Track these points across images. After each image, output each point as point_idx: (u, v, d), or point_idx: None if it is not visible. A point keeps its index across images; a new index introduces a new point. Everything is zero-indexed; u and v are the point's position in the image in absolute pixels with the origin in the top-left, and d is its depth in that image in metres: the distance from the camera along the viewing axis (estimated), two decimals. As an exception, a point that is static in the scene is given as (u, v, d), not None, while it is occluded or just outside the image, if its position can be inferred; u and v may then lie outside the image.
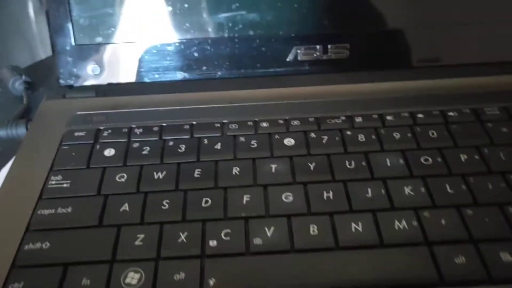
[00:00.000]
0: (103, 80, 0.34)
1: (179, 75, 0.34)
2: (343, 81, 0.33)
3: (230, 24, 0.33)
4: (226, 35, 0.33)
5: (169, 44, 0.33)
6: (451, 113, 0.30)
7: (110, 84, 0.34)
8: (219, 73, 0.34)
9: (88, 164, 0.28)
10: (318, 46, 0.34)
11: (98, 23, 0.33)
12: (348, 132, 0.29)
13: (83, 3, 0.33)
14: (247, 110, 0.31)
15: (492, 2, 0.33)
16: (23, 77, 0.38)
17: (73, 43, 0.33)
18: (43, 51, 1.07)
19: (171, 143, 0.29)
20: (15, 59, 1.01)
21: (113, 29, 0.33)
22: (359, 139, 0.28)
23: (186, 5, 0.33)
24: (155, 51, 0.34)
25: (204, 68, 0.34)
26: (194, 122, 0.30)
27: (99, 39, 0.33)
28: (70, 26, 0.33)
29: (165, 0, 0.33)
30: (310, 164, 0.27)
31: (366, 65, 0.34)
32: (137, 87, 0.34)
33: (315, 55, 0.34)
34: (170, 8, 0.33)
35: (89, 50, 0.33)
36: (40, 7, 1.12)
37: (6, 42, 0.98)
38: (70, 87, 0.34)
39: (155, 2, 0.33)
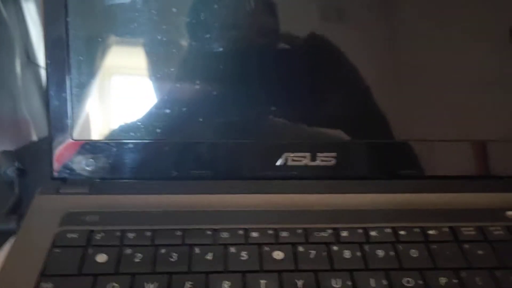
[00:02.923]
0: (97, 175, 0.35)
1: (173, 175, 0.35)
2: (330, 190, 0.35)
3: (225, 130, 0.35)
4: (221, 140, 0.35)
5: (163, 145, 0.35)
6: (431, 231, 0.31)
7: (104, 181, 0.35)
8: (212, 175, 0.35)
9: (80, 270, 0.28)
10: (307, 154, 0.36)
11: (96, 121, 0.35)
12: (335, 248, 0.30)
13: (84, 101, 0.34)
14: (238, 217, 0.32)
15: (477, 123, 0.36)
16: (16, 164, 0.38)
17: (70, 138, 0.34)
18: (26, 107, 1.07)
19: (163, 250, 0.29)
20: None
21: (110, 127, 0.35)
22: (345, 255, 0.30)
23: (184, 109, 0.35)
24: (149, 151, 0.35)
25: (197, 169, 0.35)
26: (186, 228, 0.31)
27: (96, 136, 0.35)
28: (68, 122, 0.34)
29: (162, 103, 0.35)
30: (297, 281, 0.28)
31: (352, 174, 0.36)
32: (131, 185, 0.35)
33: (303, 161, 0.36)
34: (167, 111, 0.35)
35: (85, 146, 0.34)
36: (27, 63, 1.13)
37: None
38: (64, 180, 0.35)
39: (152, 104, 0.35)
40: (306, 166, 0.36)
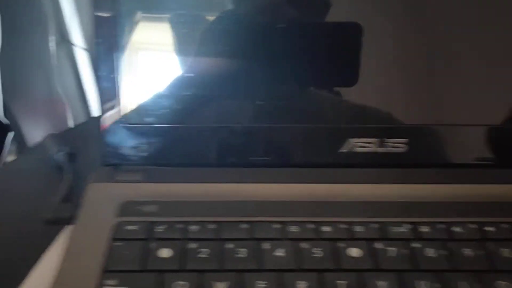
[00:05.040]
0: (151, 162, 0.33)
1: (230, 162, 0.33)
2: (401, 179, 0.32)
3: (285, 114, 0.33)
4: (280, 124, 0.33)
5: (220, 129, 0.32)
6: (520, 228, 0.28)
7: (158, 168, 0.33)
8: (271, 162, 0.33)
9: (143, 265, 0.26)
10: (374, 139, 0.33)
11: (149, 104, 0.32)
12: (416, 245, 0.27)
13: (133, 83, 0.32)
14: (305, 208, 0.30)
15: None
16: (66, 148, 0.36)
17: (122, 122, 0.32)
18: (60, 86, 1.07)
19: (230, 245, 0.27)
20: (32, 91, 1.01)
21: (164, 111, 0.32)
22: (429, 254, 0.27)
23: (242, 92, 0.32)
24: (206, 135, 0.33)
25: (255, 156, 0.33)
26: (252, 220, 0.29)
27: (149, 120, 0.32)
28: (120, 105, 0.32)
29: (220, 85, 0.32)
30: (379, 282, 0.25)
31: (425, 162, 0.33)
32: (187, 173, 0.33)
33: (370, 148, 0.33)
34: (225, 94, 0.32)
35: (138, 131, 0.32)
36: (61, 42, 1.12)
37: (26, 74, 0.98)
38: (116, 167, 0.33)
39: (209, 86, 0.32)
40: (373, 153, 0.33)
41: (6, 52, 0.87)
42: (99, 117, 0.32)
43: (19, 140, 0.95)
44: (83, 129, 0.45)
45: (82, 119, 1.14)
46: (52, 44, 1.02)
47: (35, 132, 0.97)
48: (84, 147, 0.39)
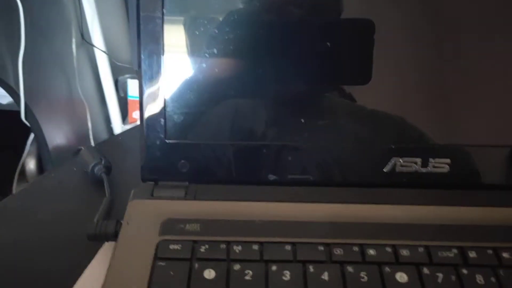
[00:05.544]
0: (191, 179, 0.33)
1: (271, 180, 0.33)
2: (445, 201, 0.32)
3: (328, 133, 0.32)
4: (323, 143, 0.32)
5: (262, 147, 0.32)
6: None
7: (198, 185, 0.33)
8: (313, 180, 0.33)
9: (188, 287, 0.26)
10: (417, 159, 0.33)
11: (191, 121, 0.32)
12: (464, 271, 0.27)
13: (178, 100, 0.32)
14: (348, 230, 0.30)
15: None
16: (103, 161, 0.36)
17: (164, 138, 0.32)
18: (81, 86, 1.07)
19: (274, 267, 0.27)
20: (53, 93, 1.01)
21: (207, 127, 0.32)
22: (478, 281, 0.26)
23: (285, 109, 0.32)
24: (248, 153, 0.33)
25: (297, 174, 0.33)
26: (296, 241, 0.29)
27: (191, 137, 0.32)
28: (163, 122, 0.32)
29: (263, 102, 0.32)
30: (429, 309, 0.25)
31: (467, 183, 0.33)
32: (227, 190, 0.32)
33: (414, 167, 0.33)
34: (267, 112, 0.32)
35: (180, 147, 0.32)
36: (82, 43, 1.13)
37: (47, 76, 0.99)
38: (156, 183, 0.33)
39: (251, 102, 0.32)
40: (416, 172, 0.33)
41: (29, 54, 0.87)
42: (143, 134, 0.32)
43: (40, 141, 0.95)
44: (115, 142, 0.45)
45: (101, 121, 1.14)
46: (73, 47, 1.02)
47: (56, 134, 0.97)
48: (119, 160, 0.39)
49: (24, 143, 1.01)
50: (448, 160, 0.33)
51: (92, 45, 1.02)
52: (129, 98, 1.16)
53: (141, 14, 0.31)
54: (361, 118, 0.32)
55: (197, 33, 0.31)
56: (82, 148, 0.37)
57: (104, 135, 1.13)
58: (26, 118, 0.87)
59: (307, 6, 0.31)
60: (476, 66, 0.32)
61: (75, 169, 0.38)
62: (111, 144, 0.45)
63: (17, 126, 0.90)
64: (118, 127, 1.13)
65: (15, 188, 0.97)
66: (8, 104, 0.96)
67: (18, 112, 0.86)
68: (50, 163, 0.92)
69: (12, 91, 0.83)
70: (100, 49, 1.02)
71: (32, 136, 0.99)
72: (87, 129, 1.02)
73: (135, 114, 1.18)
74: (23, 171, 0.99)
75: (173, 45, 0.31)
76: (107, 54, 1.05)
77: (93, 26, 1.03)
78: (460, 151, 0.33)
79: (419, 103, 0.33)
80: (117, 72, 1.14)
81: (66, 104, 1.02)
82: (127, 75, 1.17)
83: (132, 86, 1.14)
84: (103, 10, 1.06)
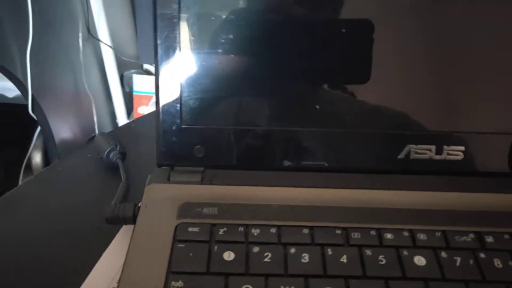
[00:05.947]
0: (207, 163, 0.33)
1: (286, 165, 0.33)
2: (459, 187, 0.32)
3: (343, 119, 0.33)
4: (339, 129, 0.32)
5: (279, 134, 0.32)
6: None
7: (213, 170, 0.33)
8: (327, 167, 0.33)
9: (208, 268, 0.26)
10: (432, 146, 0.33)
11: (208, 105, 0.32)
12: (482, 255, 0.27)
13: (194, 86, 0.32)
14: (365, 214, 0.30)
15: None
16: (118, 147, 0.36)
17: (180, 124, 0.32)
18: (87, 81, 1.07)
19: (292, 250, 0.27)
20: (60, 87, 1.02)
21: (222, 113, 0.32)
22: (496, 264, 0.27)
23: (301, 95, 0.32)
24: (263, 138, 0.33)
25: (312, 160, 0.33)
26: (313, 225, 0.29)
27: (206, 122, 0.32)
28: (178, 107, 0.32)
29: (279, 88, 0.32)
30: (447, 292, 0.25)
31: (482, 170, 0.33)
32: (243, 175, 0.33)
33: (428, 154, 0.33)
34: (285, 97, 0.32)
35: (196, 132, 0.32)
36: (88, 38, 1.13)
37: (54, 70, 0.99)
38: (172, 168, 0.33)
39: (268, 88, 0.32)
40: (430, 159, 0.33)
41: (36, 47, 0.88)
42: (158, 119, 0.32)
43: (46, 135, 0.95)
44: (129, 128, 0.45)
45: (106, 116, 1.14)
46: (80, 41, 1.03)
47: (62, 128, 0.98)
48: (132, 146, 0.39)
49: (30, 137, 1.01)
50: (462, 148, 0.33)
51: (98, 40, 1.03)
52: (134, 94, 1.16)
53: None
54: (376, 105, 0.33)
55: (213, 18, 0.31)
56: (97, 134, 0.37)
57: (109, 130, 1.13)
58: (33, 111, 0.87)
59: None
60: (485, 54, 0.32)
61: (89, 155, 0.38)
62: (125, 131, 0.45)
63: (23, 120, 0.91)
64: (123, 122, 1.13)
65: (21, 182, 0.97)
66: (14, 98, 0.96)
67: (24, 106, 0.87)
68: (57, 157, 0.92)
69: (20, 84, 0.83)
70: (106, 44, 1.02)
71: (38, 129, 0.99)
72: (93, 123, 1.02)
73: (140, 110, 1.18)
74: (29, 165, 0.99)
75: (189, 31, 0.31)
76: (113, 49, 1.05)
77: (99, 21, 1.03)
78: (476, 138, 0.33)
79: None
80: (123, 67, 1.14)
81: (72, 98, 1.02)
82: (132, 70, 1.18)
83: (138, 81, 1.14)
84: (110, 5, 1.06)
